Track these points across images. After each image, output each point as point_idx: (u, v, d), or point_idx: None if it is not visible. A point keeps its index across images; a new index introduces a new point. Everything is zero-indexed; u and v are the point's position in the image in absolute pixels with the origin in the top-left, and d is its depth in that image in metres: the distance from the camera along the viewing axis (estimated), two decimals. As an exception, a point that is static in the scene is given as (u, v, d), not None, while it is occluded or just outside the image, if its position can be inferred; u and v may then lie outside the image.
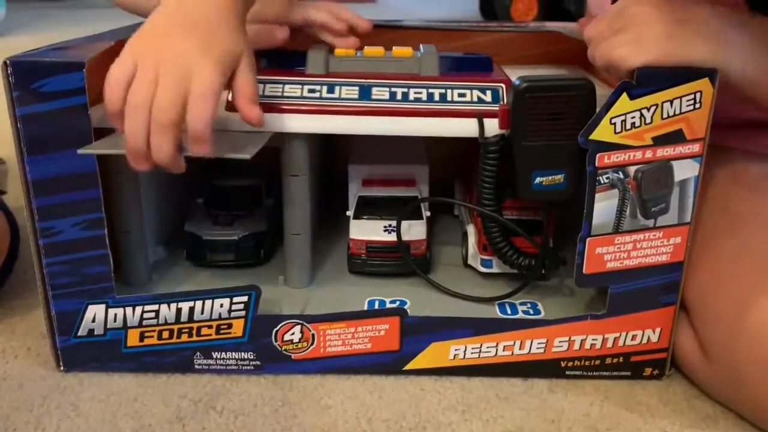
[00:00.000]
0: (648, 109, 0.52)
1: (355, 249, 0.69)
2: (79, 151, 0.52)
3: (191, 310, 0.58)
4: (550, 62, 0.82)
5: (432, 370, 0.60)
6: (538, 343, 0.59)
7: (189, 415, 0.55)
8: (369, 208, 0.69)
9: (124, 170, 0.61)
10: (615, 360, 0.60)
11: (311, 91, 0.60)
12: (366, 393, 0.58)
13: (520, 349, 0.59)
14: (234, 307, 0.58)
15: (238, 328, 0.58)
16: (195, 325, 0.58)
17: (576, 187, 0.57)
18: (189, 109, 0.49)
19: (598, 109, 0.53)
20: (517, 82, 0.55)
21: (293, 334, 0.59)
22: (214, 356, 0.59)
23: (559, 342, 0.59)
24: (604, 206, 0.55)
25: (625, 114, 0.52)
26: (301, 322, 0.58)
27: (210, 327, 0.58)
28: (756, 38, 0.52)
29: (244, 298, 0.58)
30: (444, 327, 0.59)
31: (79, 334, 0.58)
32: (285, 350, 0.59)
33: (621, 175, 0.54)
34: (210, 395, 0.58)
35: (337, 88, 0.60)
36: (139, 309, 0.58)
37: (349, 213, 0.70)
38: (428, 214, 0.70)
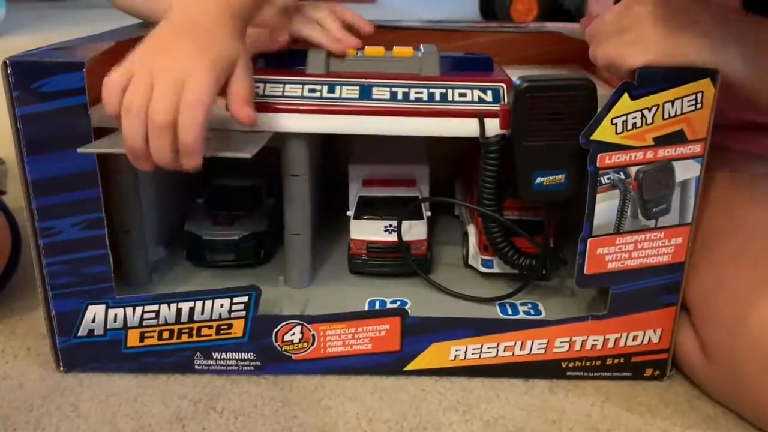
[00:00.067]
0: (649, 110, 0.52)
1: (355, 249, 0.69)
2: (79, 150, 0.52)
3: (191, 310, 0.58)
4: (551, 62, 0.82)
5: (433, 371, 0.60)
6: (539, 344, 0.59)
7: (189, 415, 0.55)
8: (369, 208, 0.69)
9: (124, 170, 0.62)
10: (616, 361, 0.60)
11: (312, 90, 0.60)
12: (366, 393, 0.58)
13: (520, 349, 0.59)
14: (234, 307, 0.58)
15: (238, 328, 0.58)
16: (195, 326, 0.58)
17: (577, 188, 0.57)
18: (180, 118, 0.49)
19: (599, 110, 0.53)
20: (518, 82, 0.55)
21: (293, 334, 0.59)
22: (215, 356, 0.59)
23: (560, 342, 0.59)
24: (605, 207, 0.54)
25: (627, 114, 0.52)
26: (301, 322, 0.58)
27: (210, 327, 0.58)
28: (755, 39, 0.52)
29: (245, 299, 0.58)
30: (445, 327, 0.59)
31: (79, 334, 0.58)
32: (285, 351, 0.59)
33: (622, 176, 0.54)
34: (210, 396, 0.57)
35: (337, 88, 0.60)
36: (139, 309, 0.58)
37: (350, 213, 0.70)
38: (429, 214, 0.69)
